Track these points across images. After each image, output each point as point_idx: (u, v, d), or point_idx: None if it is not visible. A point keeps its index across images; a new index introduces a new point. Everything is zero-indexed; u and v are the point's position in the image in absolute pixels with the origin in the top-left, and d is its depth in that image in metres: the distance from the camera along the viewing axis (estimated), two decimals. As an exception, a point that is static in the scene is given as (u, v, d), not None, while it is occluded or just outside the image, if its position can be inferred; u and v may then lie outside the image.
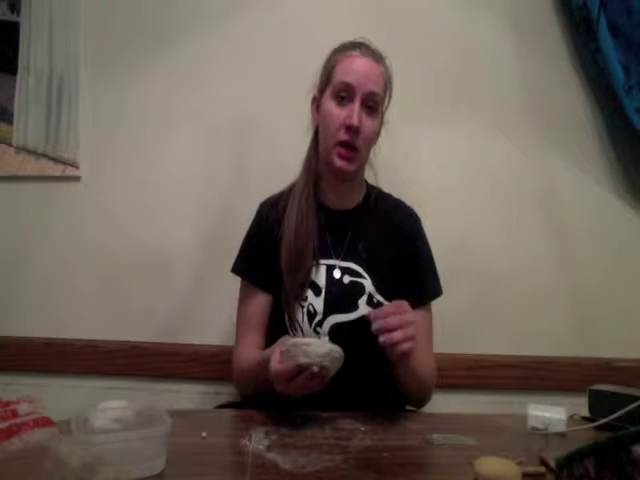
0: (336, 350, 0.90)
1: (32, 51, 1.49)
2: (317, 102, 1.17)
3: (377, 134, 1.16)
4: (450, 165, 1.49)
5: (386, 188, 1.27)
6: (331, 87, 1.11)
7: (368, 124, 1.09)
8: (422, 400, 1.16)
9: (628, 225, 1.48)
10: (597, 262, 1.48)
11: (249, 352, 1.13)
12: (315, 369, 0.88)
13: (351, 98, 1.08)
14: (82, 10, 1.48)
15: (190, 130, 1.50)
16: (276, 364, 0.91)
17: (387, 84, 1.14)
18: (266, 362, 0.96)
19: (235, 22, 1.48)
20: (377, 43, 1.14)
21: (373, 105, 1.09)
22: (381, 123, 1.16)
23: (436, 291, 1.20)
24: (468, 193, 1.48)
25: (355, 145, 1.09)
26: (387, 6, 1.46)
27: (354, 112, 1.07)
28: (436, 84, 1.47)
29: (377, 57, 1.12)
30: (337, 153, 1.10)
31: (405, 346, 0.90)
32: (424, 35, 1.46)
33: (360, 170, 1.17)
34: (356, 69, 1.09)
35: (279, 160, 1.44)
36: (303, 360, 0.87)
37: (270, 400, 1.03)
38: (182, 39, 1.49)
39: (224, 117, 1.49)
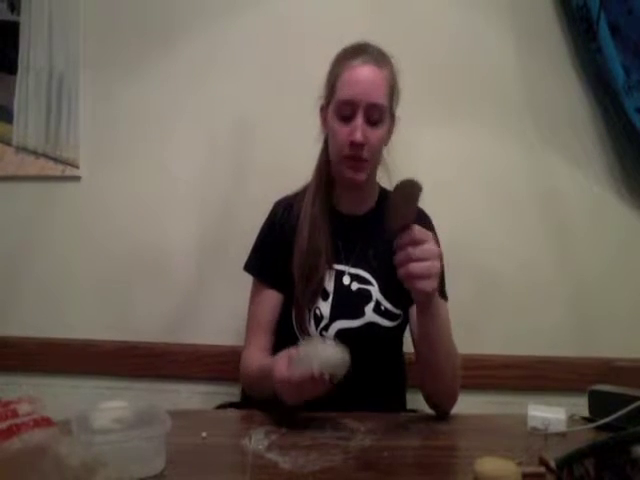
0: (346, 356, 0.90)
1: (32, 51, 1.49)
2: (324, 112, 1.16)
3: (386, 138, 1.15)
4: (450, 165, 1.48)
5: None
6: (334, 104, 1.10)
7: (373, 136, 1.08)
8: (453, 387, 1.07)
9: (628, 225, 1.48)
10: (597, 262, 1.48)
11: (256, 356, 1.13)
12: (327, 376, 0.88)
13: (354, 113, 1.07)
14: (82, 10, 1.49)
15: (190, 130, 1.50)
16: (282, 373, 0.91)
17: (392, 87, 1.12)
18: (270, 372, 0.95)
19: (235, 22, 1.48)
20: (377, 43, 1.13)
21: (377, 117, 1.08)
22: (392, 123, 1.15)
23: (444, 293, 1.16)
24: (468, 193, 1.48)
25: (362, 157, 1.08)
26: (388, 6, 1.46)
27: (357, 128, 1.06)
28: (436, 84, 1.46)
29: (380, 61, 1.09)
30: (346, 165, 1.10)
31: (424, 283, 0.87)
32: (424, 35, 1.46)
33: (372, 176, 1.17)
34: (356, 82, 1.07)
35: (279, 160, 1.44)
36: (317, 368, 0.87)
37: (273, 402, 1.03)
38: (182, 39, 1.49)
39: (224, 117, 1.49)
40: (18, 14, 1.49)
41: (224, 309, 1.46)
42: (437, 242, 1.19)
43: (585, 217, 1.48)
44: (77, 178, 1.51)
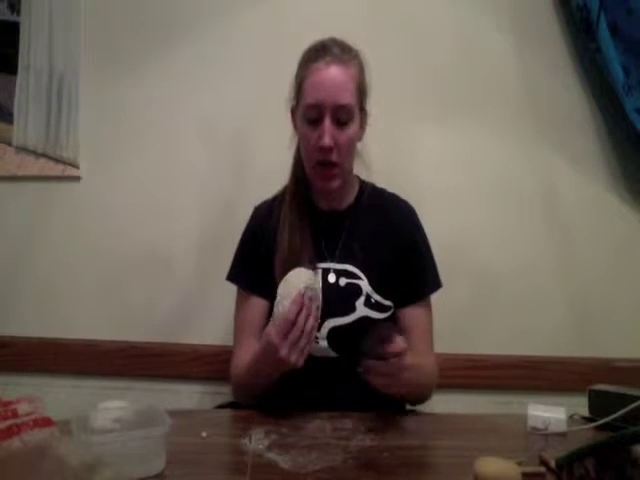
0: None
1: (32, 51, 1.49)
2: (295, 113, 1.15)
3: (359, 134, 1.13)
4: (450, 165, 1.48)
5: (385, 188, 1.27)
6: (301, 108, 1.09)
7: (342, 137, 1.06)
8: (420, 400, 1.15)
9: (628, 225, 1.47)
10: (597, 262, 1.47)
11: (246, 358, 1.11)
12: (309, 293, 0.94)
13: (321, 116, 1.05)
14: (82, 10, 1.49)
15: (190, 130, 1.50)
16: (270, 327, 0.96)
17: (360, 83, 1.10)
18: (263, 349, 0.97)
19: (235, 22, 1.48)
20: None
21: (345, 117, 1.06)
22: (363, 117, 1.13)
23: (435, 284, 1.18)
24: (468, 193, 1.48)
25: (332, 161, 1.07)
26: (387, 7, 1.46)
27: (324, 132, 1.04)
28: (436, 84, 1.46)
29: (344, 59, 1.06)
30: (317, 174, 1.10)
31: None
32: (424, 35, 1.46)
33: (347, 175, 1.15)
34: (321, 84, 1.05)
35: (279, 161, 1.43)
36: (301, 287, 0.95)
37: (268, 403, 1.03)
38: (182, 39, 1.49)
39: (224, 117, 1.49)
40: (18, 14, 1.49)
41: (224, 309, 1.45)
42: (422, 233, 1.19)
43: (585, 217, 1.48)
44: (77, 178, 1.51)
